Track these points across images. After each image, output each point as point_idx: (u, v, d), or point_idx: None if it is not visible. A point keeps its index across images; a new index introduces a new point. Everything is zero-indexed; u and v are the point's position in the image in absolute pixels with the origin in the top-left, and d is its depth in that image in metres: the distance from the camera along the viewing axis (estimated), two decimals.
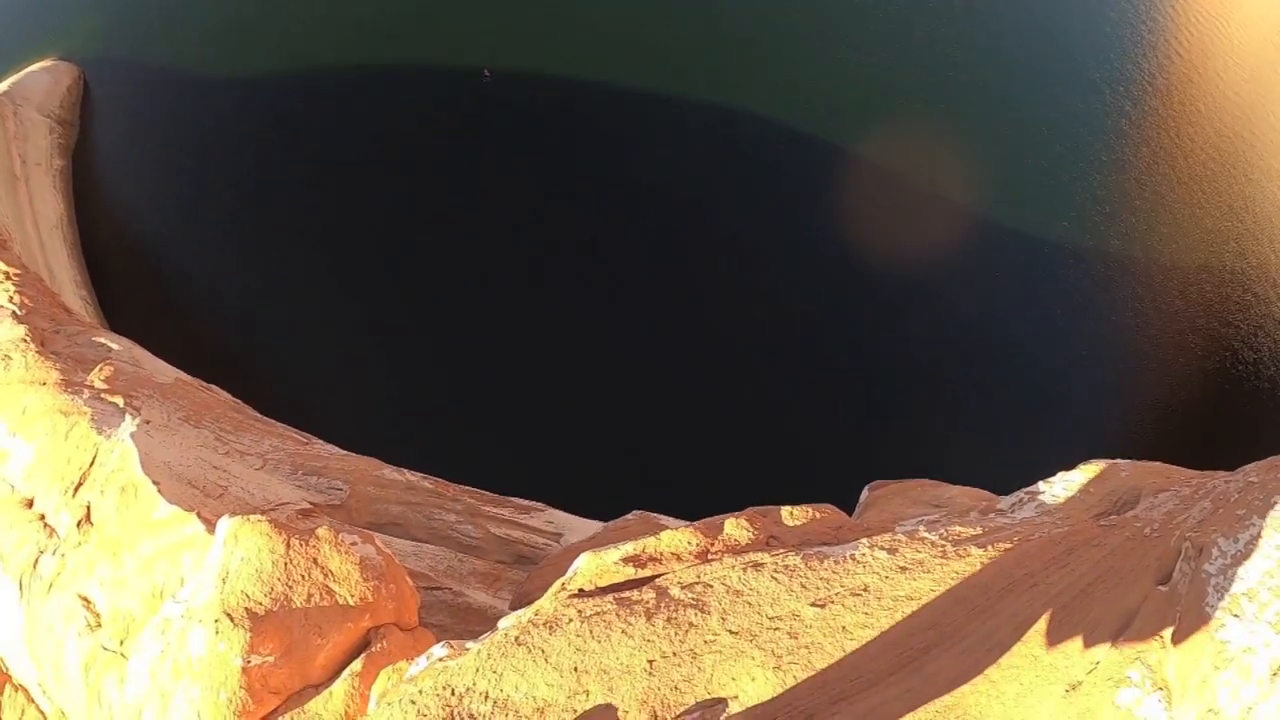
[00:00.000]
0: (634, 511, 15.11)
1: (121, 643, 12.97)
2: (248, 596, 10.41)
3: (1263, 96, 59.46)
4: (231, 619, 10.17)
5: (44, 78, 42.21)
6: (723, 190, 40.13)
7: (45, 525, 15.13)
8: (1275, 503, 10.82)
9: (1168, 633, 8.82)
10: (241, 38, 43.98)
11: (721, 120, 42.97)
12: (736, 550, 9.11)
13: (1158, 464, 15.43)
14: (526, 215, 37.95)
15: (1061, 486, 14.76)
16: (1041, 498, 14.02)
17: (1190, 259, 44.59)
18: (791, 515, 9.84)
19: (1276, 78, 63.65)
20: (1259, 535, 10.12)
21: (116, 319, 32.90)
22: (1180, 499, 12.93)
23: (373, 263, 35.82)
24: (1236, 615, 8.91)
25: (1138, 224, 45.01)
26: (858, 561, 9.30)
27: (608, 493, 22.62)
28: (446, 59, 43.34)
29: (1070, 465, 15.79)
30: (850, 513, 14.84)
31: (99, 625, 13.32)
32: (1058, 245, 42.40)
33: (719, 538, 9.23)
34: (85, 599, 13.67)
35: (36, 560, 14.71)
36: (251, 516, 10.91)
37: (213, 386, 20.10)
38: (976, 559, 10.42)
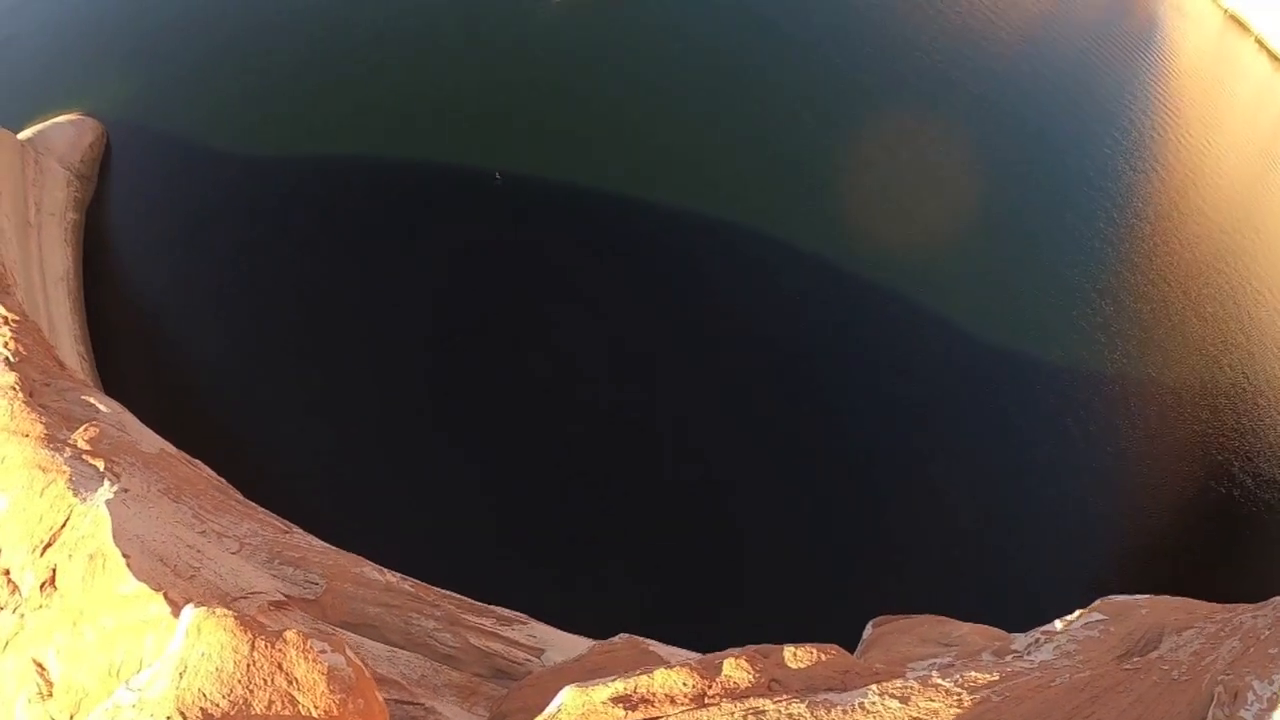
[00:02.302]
0: (621, 634, 14.28)
1: (71, 717, 12.16)
2: (204, 696, 9.68)
3: (1248, 218, 60.37)
4: (184, 718, 9.44)
5: (68, 130, 42.80)
6: (726, 305, 40.23)
7: (9, 581, 14.63)
8: None
9: None
10: (262, 116, 45.04)
11: (727, 232, 43.64)
12: (736, 694, 8.34)
13: (1177, 599, 14.74)
14: (526, 317, 37.98)
15: (1079, 625, 14.06)
16: (1058, 638, 13.32)
17: (1191, 382, 44.38)
18: (795, 656, 9.08)
19: (1261, 198, 64.78)
20: None
21: (110, 380, 32.48)
22: (1206, 637, 12.32)
23: (374, 356, 35.53)
24: None
25: (1135, 350, 45.07)
26: (868, 711, 8.56)
27: (594, 609, 21.76)
28: (461, 159, 44.44)
29: (1085, 600, 15.08)
30: (852, 647, 13.97)
31: (50, 695, 12.70)
32: (1056, 373, 42.31)
33: (716, 679, 8.45)
34: (40, 664, 13.04)
35: None
36: (217, 610, 10.20)
37: (197, 462, 19.53)
38: (995, 709, 9.67)
